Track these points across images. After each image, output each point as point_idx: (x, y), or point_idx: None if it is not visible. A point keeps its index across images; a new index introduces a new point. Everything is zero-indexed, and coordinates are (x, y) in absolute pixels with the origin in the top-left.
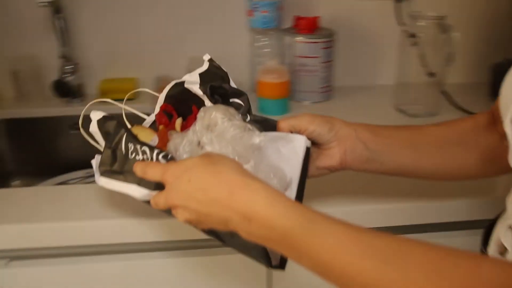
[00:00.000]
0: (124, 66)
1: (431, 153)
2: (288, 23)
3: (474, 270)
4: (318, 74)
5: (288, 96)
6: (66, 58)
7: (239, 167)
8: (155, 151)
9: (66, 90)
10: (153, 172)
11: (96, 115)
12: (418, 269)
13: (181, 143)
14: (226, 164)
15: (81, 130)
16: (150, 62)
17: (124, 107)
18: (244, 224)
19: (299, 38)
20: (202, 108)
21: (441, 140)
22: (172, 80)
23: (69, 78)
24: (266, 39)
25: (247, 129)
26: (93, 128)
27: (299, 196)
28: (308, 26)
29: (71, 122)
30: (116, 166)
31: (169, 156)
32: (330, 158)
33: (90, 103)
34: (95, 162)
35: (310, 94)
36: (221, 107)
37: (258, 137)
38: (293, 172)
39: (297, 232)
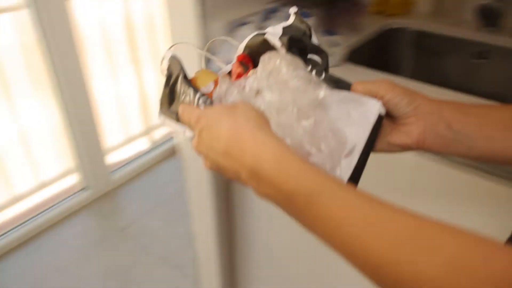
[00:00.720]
0: None
1: None
2: None
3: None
4: None
5: None
6: None
7: (257, 117)
8: (197, 95)
9: (490, 17)
10: (186, 116)
11: (168, 53)
12: (432, 261)
13: (228, 90)
14: (244, 113)
15: (161, 66)
16: None
17: (206, 54)
18: (253, 181)
19: None
20: (267, 53)
21: None
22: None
23: (498, 5)
24: None
25: (312, 82)
26: (164, 66)
27: (360, 168)
28: None
29: (476, 50)
30: (173, 106)
31: (207, 101)
32: (405, 135)
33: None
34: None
35: None
36: (287, 55)
37: (323, 91)
38: (359, 139)
39: (302, 197)
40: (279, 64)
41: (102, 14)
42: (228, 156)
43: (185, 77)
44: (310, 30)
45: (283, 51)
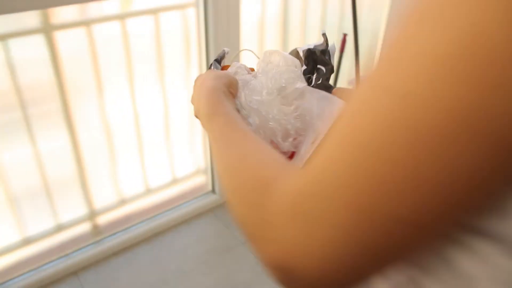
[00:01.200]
0: None
1: None
2: None
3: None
4: None
5: None
6: None
7: (223, 74)
8: (215, 70)
9: None
10: (195, 81)
11: (226, 50)
12: (234, 158)
13: (236, 71)
14: (219, 72)
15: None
16: None
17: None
18: (200, 117)
19: None
20: (268, 49)
21: None
22: None
23: None
24: None
25: (297, 75)
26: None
27: None
28: None
29: None
30: None
31: None
32: None
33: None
34: None
35: None
36: (285, 53)
37: (301, 83)
38: (323, 131)
39: (208, 124)
40: (278, 61)
41: (262, 13)
42: (195, 100)
43: (216, 60)
44: (327, 47)
45: (281, 51)
